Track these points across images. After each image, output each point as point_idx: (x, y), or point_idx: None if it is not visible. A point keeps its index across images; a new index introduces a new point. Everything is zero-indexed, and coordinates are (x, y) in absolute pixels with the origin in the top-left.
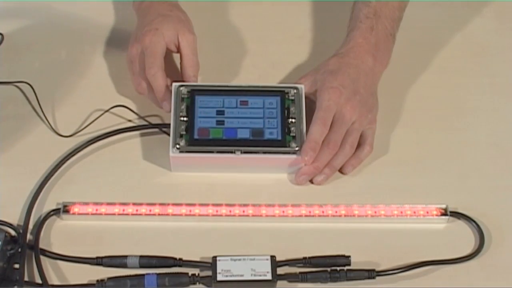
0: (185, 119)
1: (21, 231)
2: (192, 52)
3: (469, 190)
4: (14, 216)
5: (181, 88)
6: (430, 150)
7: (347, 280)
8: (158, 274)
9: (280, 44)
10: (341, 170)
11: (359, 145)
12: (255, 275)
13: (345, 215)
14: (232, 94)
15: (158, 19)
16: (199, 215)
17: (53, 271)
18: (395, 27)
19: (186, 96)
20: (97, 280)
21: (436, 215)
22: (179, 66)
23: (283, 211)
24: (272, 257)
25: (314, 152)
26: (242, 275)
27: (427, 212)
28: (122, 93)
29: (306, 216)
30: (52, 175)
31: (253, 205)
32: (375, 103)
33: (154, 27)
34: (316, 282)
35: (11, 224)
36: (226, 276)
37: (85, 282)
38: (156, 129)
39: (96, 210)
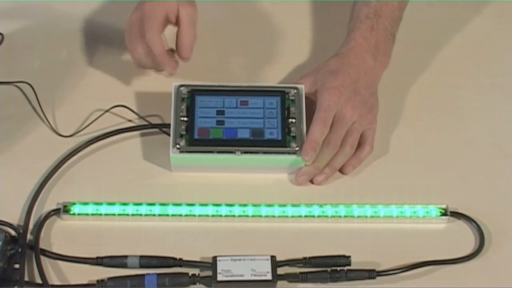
0: (185, 119)
1: (21, 231)
2: (190, 23)
3: (469, 190)
4: (14, 216)
5: (181, 88)
6: (430, 150)
7: (348, 280)
8: (158, 274)
9: (280, 44)
10: (341, 170)
11: (359, 145)
12: (255, 275)
13: (345, 215)
14: (232, 94)
15: None
16: (199, 215)
17: (53, 271)
18: (395, 27)
19: (186, 96)
20: (97, 280)
21: (436, 215)
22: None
23: (283, 211)
24: (272, 257)
25: (314, 152)
26: (242, 275)
27: (427, 212)
28: (122, 93)
29: (306, 216)
30: (52, 175)
31: (253, 205)
32: (376, 103)
33: None
34: (316, 282)
35: (11, 224)
36: (226, 276)
37: (85, 282)
38: (156, 129)
39: (96, 210)
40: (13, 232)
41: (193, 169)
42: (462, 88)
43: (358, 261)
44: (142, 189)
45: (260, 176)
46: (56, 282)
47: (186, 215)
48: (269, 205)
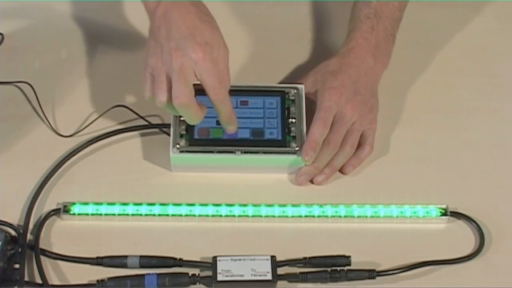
0: None
1: (21, 231)
2: (227, 67)
3: (469, 190)
4: (14, 216)
5: None
6: (430, 150)
7: (347, 280)
8: (158, 274)
9: (280, 44)
10: (341, 170)
11: (360, 145)
12: (255, 275)
13: (345, 215)
14: (232, 94)
15: (200, 27)
16: (199, 215)
17: (53, 271)
18: (395, 27)
19: None
20: (97, 280)
21: (436, 215)
22: None
23: (283, 211)
24: (272, 257)
25: (314, 152)
26: (242, 275)
27: (427, 212)
28: (122, 93)
29: (306, 216)
30: (52, 175)
31: (253, 205)
32: (376, 103)
33: (203, 39)
34: (316, 282)
35: (11, 224)
36: (227, 276)
37: (85, 282)
38: (156, 129)
39: (96, 210)
40: (13, 232)
41: (193, 169)
42: (462, 88)
43: (358, 261)
44: (142, 189)
45: (260, 176)
46: (56, 282)
47: (186, 215)
48: (269, 205)
